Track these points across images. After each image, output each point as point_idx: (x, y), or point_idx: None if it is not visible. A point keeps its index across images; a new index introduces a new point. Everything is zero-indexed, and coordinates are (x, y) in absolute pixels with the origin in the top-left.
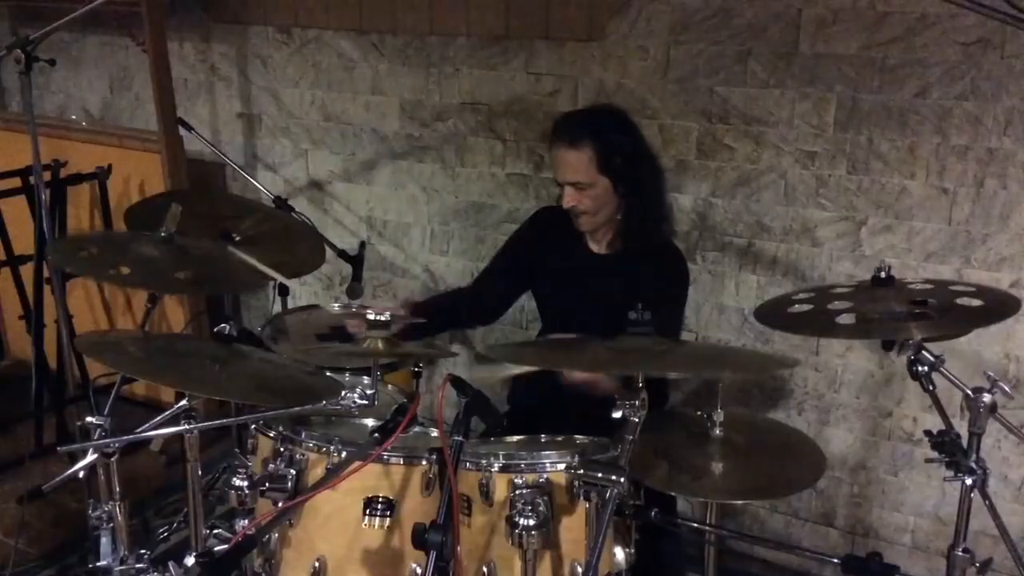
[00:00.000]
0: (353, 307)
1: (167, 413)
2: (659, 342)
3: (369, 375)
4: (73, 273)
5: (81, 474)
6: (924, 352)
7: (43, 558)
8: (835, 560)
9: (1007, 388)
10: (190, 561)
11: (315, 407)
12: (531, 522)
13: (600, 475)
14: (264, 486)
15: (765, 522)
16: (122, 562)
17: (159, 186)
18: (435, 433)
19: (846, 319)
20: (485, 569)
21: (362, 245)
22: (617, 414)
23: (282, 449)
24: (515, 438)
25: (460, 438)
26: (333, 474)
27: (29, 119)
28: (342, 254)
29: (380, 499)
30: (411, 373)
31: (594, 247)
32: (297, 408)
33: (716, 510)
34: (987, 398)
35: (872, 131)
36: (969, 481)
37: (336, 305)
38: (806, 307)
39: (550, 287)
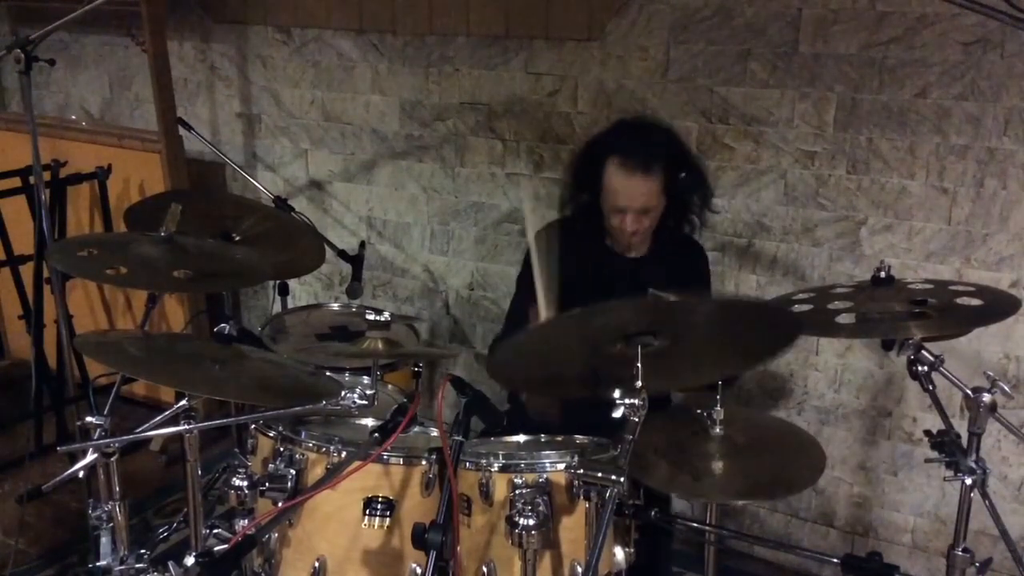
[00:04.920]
0: (353, 307)
1: (167, 413)
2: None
3: (369, 375)
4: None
5: (81, 474)
6: (924, 352)
7: (43, 558)
8: (835, 560)
9: (1007, 388)
10: (190, 561)
11: (315, 407)
12: (531, 522)
13: (600, 475)
14: (264, 486)
15: (765, 522)
16: (122, 562)
17: (159, 186)
18: (435, 433)
19: (846, 319)
20: (485, 569)
21: (362, 245)
22: (617, 414)
23: (282, 449)
24: (515, 438)
25: (460, 438)
26: (333, 474)
27: (29, 119)
28: (342, 254)
29: (380, 499)
30: (411, 373)
31: (618, 250)
32: (297, 408)
33: (716, 510)
34: (987, 398)
35: (872, 131)
36: (969, 481)
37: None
38: (806, 307)
39: (576, 297)
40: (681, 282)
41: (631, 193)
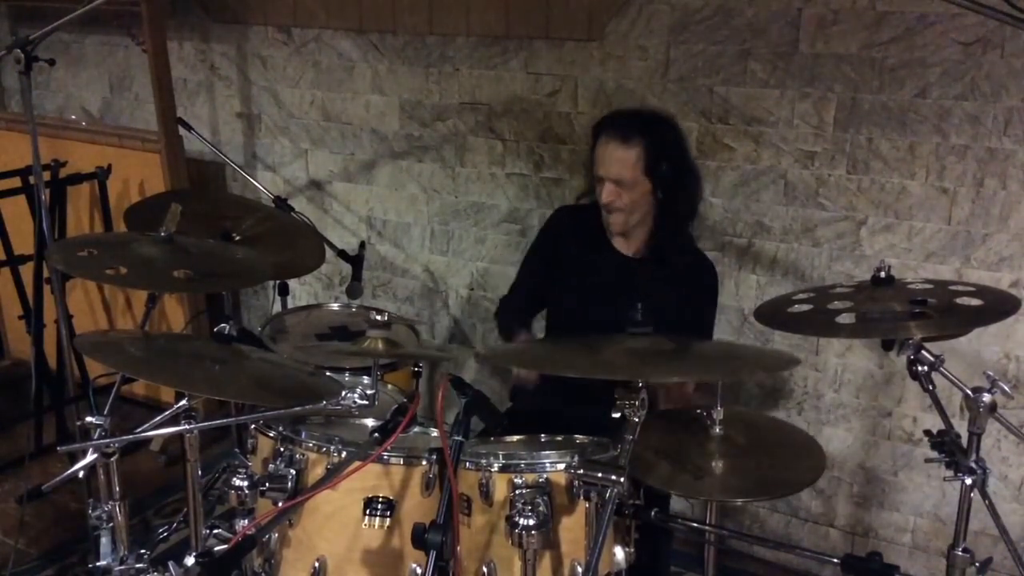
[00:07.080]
0: (353, 307)
1: (167, 413)
2: (660, 342)
3: (369, 375)
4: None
5: (81, 474)
6: (924, 352)
7: (43, 558)
8: (835, 560)
9: (1007, 388)
10: (190, 561)
11: (315, 407)
12: (531, 522)
13: (600, 475)
14: (264, 486)
15: (765, 522)
16: (122, 562)
17: (159, 186)
18: (435, 433)
19: (846, 319)
20: (485, 569)
21: (362, 245)
22: (617, 414)
23: (282, 449)
24: (515, 438)
25: (460, 438)
26: (333, 474)
27: (29, 119)
28: (342, 254)
29: (380, 499)
30: (411, 373)
31: (621, 248)
32: (297, 408)
33: (716, 510)
34: (987, 398)
35: (872, 131)
36: (969, 481)
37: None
38: (806, 307)
39: (572, 282)
40: (681, 295)
41: (608, 160)
